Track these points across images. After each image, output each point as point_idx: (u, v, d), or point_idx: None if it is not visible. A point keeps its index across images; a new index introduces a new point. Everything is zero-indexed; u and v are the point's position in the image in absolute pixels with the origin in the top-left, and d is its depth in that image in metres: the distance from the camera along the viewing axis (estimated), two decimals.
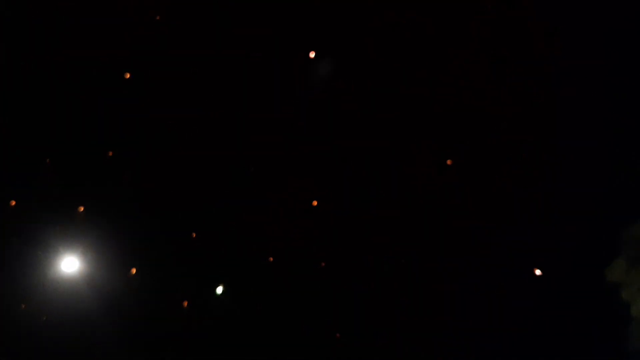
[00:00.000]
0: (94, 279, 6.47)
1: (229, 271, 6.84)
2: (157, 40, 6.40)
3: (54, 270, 6.44)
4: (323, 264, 6.87)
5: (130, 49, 6.37)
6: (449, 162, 6.54)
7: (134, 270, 6.44)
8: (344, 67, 6.60)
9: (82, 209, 6.41)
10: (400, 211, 6.86)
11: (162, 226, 6.72)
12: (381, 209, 6.85)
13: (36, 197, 6.47)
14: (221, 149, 6.66)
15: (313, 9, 6.47)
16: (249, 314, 6.85)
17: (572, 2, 6.50)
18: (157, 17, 6.36)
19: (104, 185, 6.63)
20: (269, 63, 6.54)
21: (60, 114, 6.44)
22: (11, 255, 6.32)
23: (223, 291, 6.76)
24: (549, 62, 6.67)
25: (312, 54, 6.07)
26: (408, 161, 6.83)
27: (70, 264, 6.48)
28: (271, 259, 6.80)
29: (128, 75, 6.05)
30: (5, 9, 6.16)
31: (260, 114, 6.63)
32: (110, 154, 6.52)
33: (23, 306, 6.32)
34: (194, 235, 6.74)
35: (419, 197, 6.86)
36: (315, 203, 6.71)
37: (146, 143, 6.59)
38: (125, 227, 6.62)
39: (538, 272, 6.68)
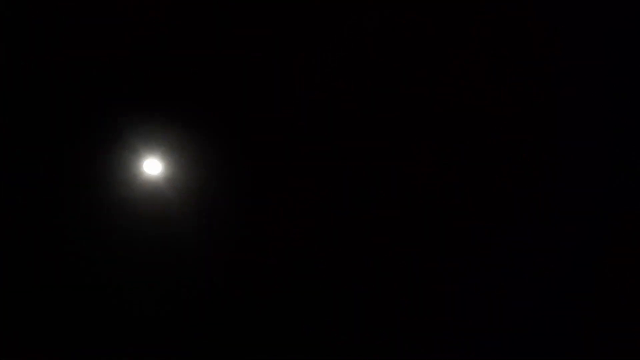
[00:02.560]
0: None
1: (229, 271, 6.83)
2: (157, 40, 6.39)
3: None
4: (323, 264, 6.87)
5: (130, 49, 6.37)
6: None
7: None
8: (344, 67, 6.60)
9: None
10: (400, 211, 6.86)
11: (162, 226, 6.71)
12: (381, 209, 6.85)
13: (33, 204, 6.47)
14: (221, 148, 6.65)
15: (313, 9, 6.46)
16: (249, 314, 6.84)
17: (572, 2, 6.50)
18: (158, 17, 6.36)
19: (103, 186, 6.62)
20: (269, 63, 6.54)
21: (60, 114, 6.44)
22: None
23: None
24: (549, 62, 6.67)
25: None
26: (408, 161, 6.83)
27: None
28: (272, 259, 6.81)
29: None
30: (5, 9, 6.16)
31: (260, 114, 6.63)
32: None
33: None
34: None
35: (419, 197, 6.86)
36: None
37: (147, 143, 6.59)
38: (123, 228, 6.61)
39: None
